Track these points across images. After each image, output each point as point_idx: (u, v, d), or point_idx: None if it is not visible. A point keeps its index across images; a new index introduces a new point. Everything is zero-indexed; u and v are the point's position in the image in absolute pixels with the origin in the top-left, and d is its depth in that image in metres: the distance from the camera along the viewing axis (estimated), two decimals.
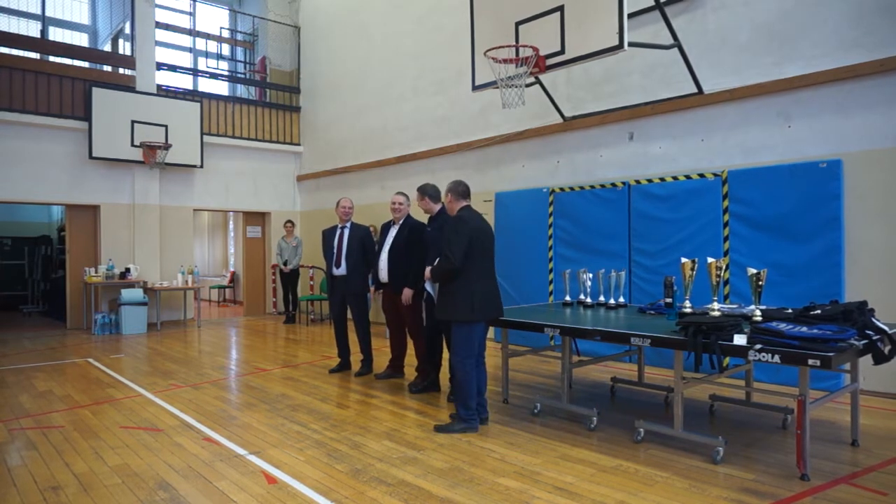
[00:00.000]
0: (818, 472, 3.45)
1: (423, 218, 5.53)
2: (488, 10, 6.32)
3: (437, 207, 5.27)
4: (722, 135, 6.10)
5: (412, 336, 5.68)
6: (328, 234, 6.43)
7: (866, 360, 3.66)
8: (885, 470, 3.52)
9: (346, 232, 6.28)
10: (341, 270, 6.23)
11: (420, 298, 5.42)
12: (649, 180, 6.57)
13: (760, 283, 3.79)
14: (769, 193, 5.64)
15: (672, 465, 3.61)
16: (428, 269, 4.70)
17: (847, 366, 3.91)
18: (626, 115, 6.80)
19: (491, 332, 8.17)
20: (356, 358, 6.41)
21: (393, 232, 5.72)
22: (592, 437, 4.14)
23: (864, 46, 5.18)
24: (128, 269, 9.97)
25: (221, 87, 13.60)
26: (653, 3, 5.81)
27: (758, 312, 3.86)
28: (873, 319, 3.63)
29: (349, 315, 6.39)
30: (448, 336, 5.20)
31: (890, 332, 3.58)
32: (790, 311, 3.92)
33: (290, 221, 10.89)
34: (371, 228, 6.86)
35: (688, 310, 4.20)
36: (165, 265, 10.73)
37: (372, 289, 5.94)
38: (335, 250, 6.28)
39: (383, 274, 5.70)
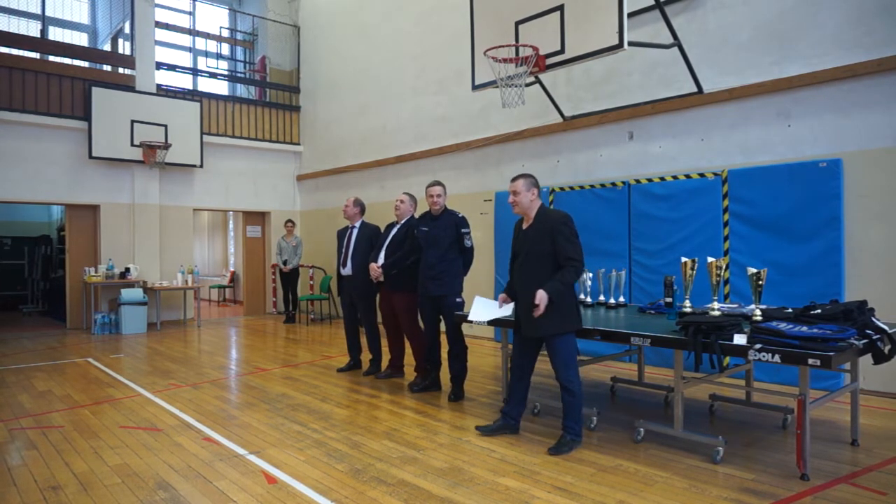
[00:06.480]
0: (818, 472, 3.45)
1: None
2: (488, 10, 6.32)
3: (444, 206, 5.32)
4: (722, 134, 6.10)
5: (407, 336, 5.67)
6: (340, 234, 6.43)
7: (866, 360, 3.66)
8: (885, 470, 3.52)
9: (355, 232, 6.24)
10: (347, 270, 6.21)
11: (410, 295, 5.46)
12: (649, 180, 6.57)
13: (760, 282, 3.79)
14: (769, 193, 5.64)
15: (672, 464, 3.61)
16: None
17: (847, 365, 3.91)
18: (625, 115, 6.80)
19: (491, 331, 8.20)
20: (365, 357, 6.43)
21: (393, 231, 5.73)
22: (592, 437, 4.14)
23: (864, 46, 5.17)
24: (128, 269, 9.97)
25: (221, 87, 13.59)
26: (653, 3, 5.81)
27: (758, 312, 3.86)
28: (873, 319, 3.64)
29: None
30: (453, 335, 5.21)
31: (890, 331, 3.58)
32: (790, 310, 3.93)
33: (290, 221, 10.88)
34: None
35: (688, 309, 4.20)
36: (165, 265, 10.72)
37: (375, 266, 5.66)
38: (343, 250, 6.28)
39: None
